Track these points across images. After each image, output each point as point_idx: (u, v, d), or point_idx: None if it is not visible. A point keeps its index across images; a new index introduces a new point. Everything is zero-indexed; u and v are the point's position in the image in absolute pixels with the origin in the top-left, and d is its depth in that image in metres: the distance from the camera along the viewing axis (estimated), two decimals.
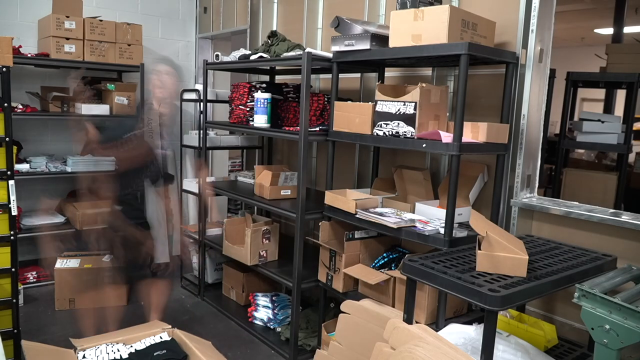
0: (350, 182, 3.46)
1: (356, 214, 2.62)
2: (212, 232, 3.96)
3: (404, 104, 2.38)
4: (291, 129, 3.08)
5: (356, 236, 2.81)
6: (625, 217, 2.23)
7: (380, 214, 2.55)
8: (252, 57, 3.29)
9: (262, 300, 3.56)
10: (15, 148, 3.40)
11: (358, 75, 3.44)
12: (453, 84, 2.86)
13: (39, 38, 4.26)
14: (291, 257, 3.02)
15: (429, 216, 2.56)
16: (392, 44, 2.45)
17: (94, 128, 2.81)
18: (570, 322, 2.39)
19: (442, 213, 2.41)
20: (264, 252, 3.36)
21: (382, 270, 2.71)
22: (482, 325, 1.76)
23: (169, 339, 2.58)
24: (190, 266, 4.43)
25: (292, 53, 3.08)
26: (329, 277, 2.91)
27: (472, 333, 2.01)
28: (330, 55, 2.84)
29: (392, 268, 2.69)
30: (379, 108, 2.51)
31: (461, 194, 2.57)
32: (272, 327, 3.45)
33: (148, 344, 2.51)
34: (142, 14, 4.82)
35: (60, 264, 3.73)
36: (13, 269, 2.70)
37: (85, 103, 4.17)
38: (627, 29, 6.17)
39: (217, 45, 5.22)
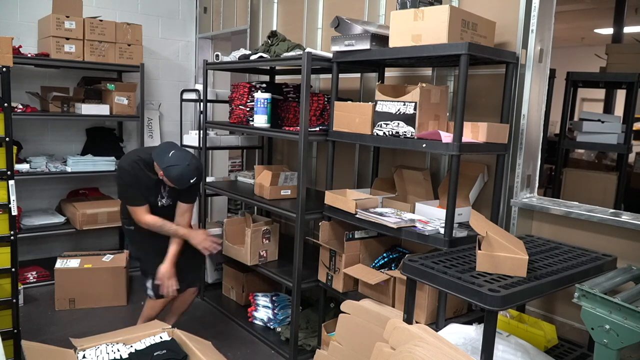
0: (350, 182, 3.47)
1: (356, 214, 2.62)
2: (212, 232, 3.95)
3: (404, 104, 2.38)
4: (291, 129, 3.08)
5: (356, 236, 2.81)
6: (625, 217, 2.23)
7: (380, 214, 2.55)
8: (252, 57, 3.29)
9: (262, 300, 3.56)
10: (15, 148, 3.40)
11: (358, 75, 3.44)
12: (453, 84, 2.86)
13: (39, 38, 4.26)
14: (291, 257, 3.02)
15: (429, 216, 2.56)
16: (392, 44, 2.45)
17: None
18: (570, 322, 2.39)
19: (442, 213, 2.41)
20: (264, 252, 3.36)
21: (382, 270, 2.71)
22: (482, 325, 1.76)
23: (169, 339, 2.58)
24: None
25: (292, 53, 3.08)
26: (329, 277, 2.91)
27: (472, 333, 2.01)
28: (330, 55, 2.85)
29: (392, 268, 2.69)
30: (379, 108, 2.52)
31: (461, 194, 2.57)
32: (272, 327, 3.45)
33: (148, 344, 2.51)
34: (142, 14, 4.82)
35: (60, 264, 3.73)
36: (13, 269, 2.70)
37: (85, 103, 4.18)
38: (627, 29, 6.18)
39: (217, 45, 5.22)
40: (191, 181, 2.72)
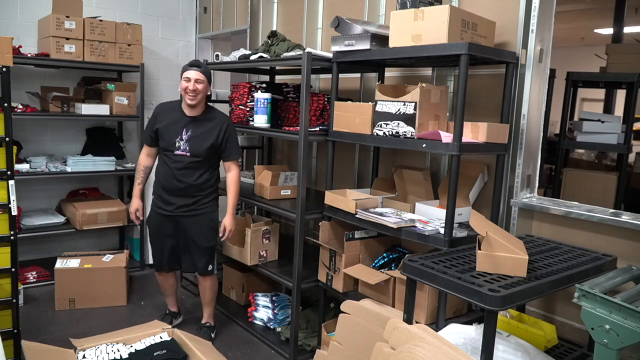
0: (350, 182, 3.47)
1: (356, 214, 2.62)
2: None
3: (404, 104, 2.38)
4: (291, 129, 3.08)
5: (356, 236, 2.81)
6: (625, 217, 2.23)
7: (380, 214, 2.55)
8: (252, 57, 3.29)
9: (262, 300, 3.56)
10: (15, 148, 3.40)
11: (358, 75, 3.44)
12: (453, 84, 2.86)
13: (39, 38, 4.26)
14: (291, 257, 3.02)
15: (429, 216, 2.56)
16: (392, 44, 2.45)
17: None
18: (570, 322, 2.39)
19: (442, 213, 2.41)
20: (264, 252, 3.36)
21: (382, 270, 2.71)
22: (482, 325, 1.76)
23: (169, 339, 2.59)
24: None
25: (292, 53, 3.08)
26: (329, 277, 2.91)
27: (472, 333, 2.01)
28: (330, 55, 2.85)
29: (392, 268, 2.69)
30: (379, 108, 2.52)
31: (461, 194, 2.57)
32: (272, 327, 3.45)
33: (148, 344, 2.52)
34: (142, 14, 4.82)
35: (60, 264, 3.73)
36: (13, 269, 2.70)
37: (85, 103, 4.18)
38: (627, 29, 6.18)
39: (217, 45, 5.22)
40: (192, 59, 2.99)
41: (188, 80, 2.95)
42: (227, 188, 3.19)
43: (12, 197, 2.63)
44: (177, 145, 3.04)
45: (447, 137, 2.25)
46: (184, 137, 3.03)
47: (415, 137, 2.35)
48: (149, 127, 3.18)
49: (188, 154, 3.03)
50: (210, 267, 3.22)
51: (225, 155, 3.16)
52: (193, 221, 3.11)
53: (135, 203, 3.22)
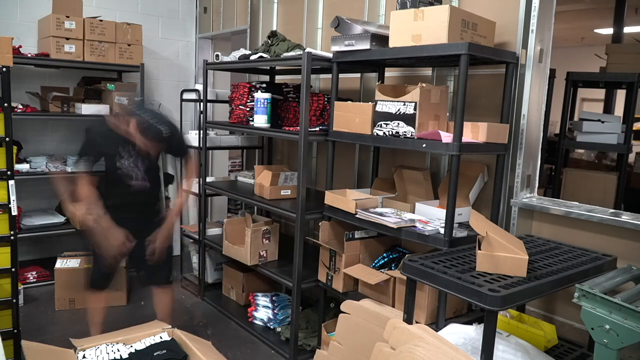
0: (350, 182, 3.46)
1: (356, 214, 2.62)
2: (212, 232, 3.96)
3: (404, 104, 2.38)
4: (291, 129, 3.08)
5: (356, 236, 2.81)
6: (625, 217, 2.23)
7: (380, 214, 2.55)
8: (252, 57, 3.29)
9: (262, 300, 3.56)
10: (15, 148, 3.40)
11: (358, 75, 3.44)
12: (453, 84, 2.86)
13: (39, 38, 4.26)
14: (291, 257, 3.02)
15: (429, 216, 2.56)
16: (392, 44, 2.45)
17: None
18: (570, 322, 2.39)
19: (442, 213, 2.41)
20: (264, 252, 3.36)
21: (382, 270, 2.71)
22: (482, 325, 1.76)
23: (169, 339, 2.58)
24: (190, 266, 4.43)
25: (292, 53, 3.08)
26: (329, 277, 2.91)
27: (472, 333, 2.01)
28: (330, 55, 2.85)
29: (392, 268, 2.69)
30: (379, 108, 2.52)
31: (461, 194, 2.57)
32: (272, 327, 3.45)
33: (148, 344, 2.51)
34: (142, 14, 4.82)
35: (60, 264, 3.73)
36: (13, 269, 2.70)
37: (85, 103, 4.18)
38: (627, 29, 6.18)
39: (217, 45, 5.22)
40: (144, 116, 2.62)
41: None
42: (187, 171, 3.02)
43: (12, 197, 2.63)
44: (121, 163, 2.78)
45: (447, 137, 2.25)
46: (123, 154, 2.77)
47: (415, 137, 2.35)
48: (87, 152, 2.78)
49: (135, 169, 2.80)
50: (170, 278, 3.09)
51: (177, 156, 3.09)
52: (152, 232, 2.85)
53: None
